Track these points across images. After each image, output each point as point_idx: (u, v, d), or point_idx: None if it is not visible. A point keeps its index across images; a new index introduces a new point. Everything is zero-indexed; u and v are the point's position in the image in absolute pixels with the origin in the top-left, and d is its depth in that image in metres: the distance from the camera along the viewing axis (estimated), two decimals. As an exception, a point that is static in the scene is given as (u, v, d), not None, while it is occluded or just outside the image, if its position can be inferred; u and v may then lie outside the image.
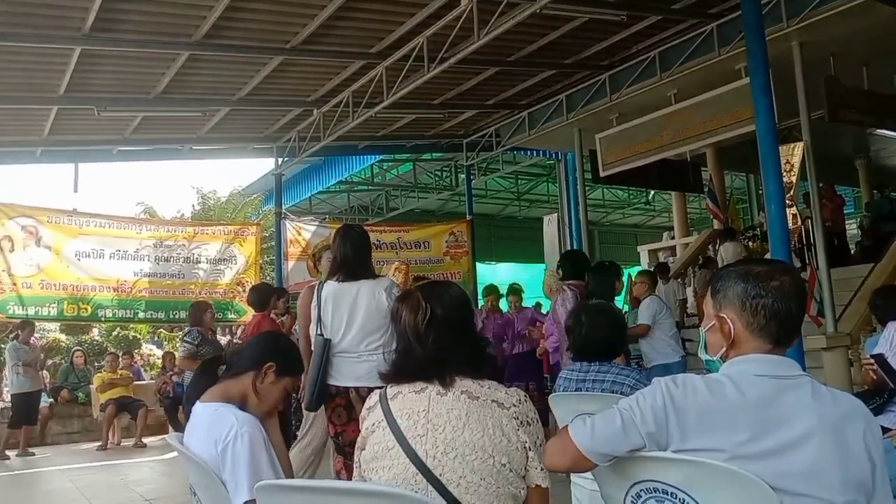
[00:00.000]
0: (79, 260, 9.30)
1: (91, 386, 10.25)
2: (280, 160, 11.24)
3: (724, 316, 1.58)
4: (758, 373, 1.49)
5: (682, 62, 8.39)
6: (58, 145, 9.77)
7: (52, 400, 10.38)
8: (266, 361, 2.16)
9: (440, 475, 1.57)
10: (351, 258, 3.79)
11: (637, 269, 15.98)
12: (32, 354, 9.19)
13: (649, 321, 6.58)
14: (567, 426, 1.59)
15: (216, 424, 1.95)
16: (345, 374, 3.70)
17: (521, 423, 1.63)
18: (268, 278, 13.22)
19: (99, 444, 9.29)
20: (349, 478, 3.52)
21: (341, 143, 10.45)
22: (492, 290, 8.72)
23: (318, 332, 3.74)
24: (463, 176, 13.27)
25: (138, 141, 10.08)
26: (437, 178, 18.14)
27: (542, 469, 1.64)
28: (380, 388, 1.74)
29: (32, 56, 7.26)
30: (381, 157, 14.77)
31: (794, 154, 9.36)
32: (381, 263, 10.33)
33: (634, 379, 2.81)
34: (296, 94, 9.28)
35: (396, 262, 7.11)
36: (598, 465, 1.54)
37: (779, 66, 6.75)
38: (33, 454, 8.85)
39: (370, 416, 1.70)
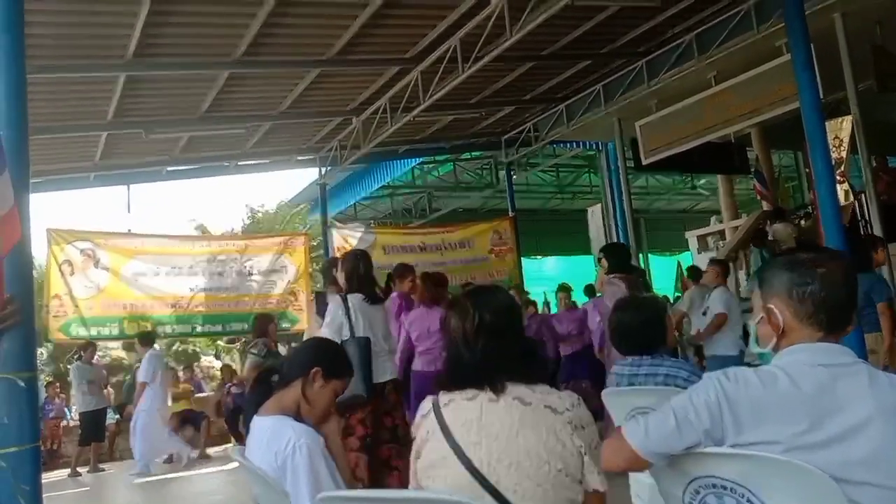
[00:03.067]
0: (136, 279, 9.60)
1: (155, 400, 10.54)
2: (323, 170, 11.40)
3: (772, 307, 1.56)
4: (810, 362, 1.48)
5: (719, 43, 8.22)
6: (110, 169, 10.12)
7: (118, 416, 10.72)
8: (312, 366, 2.20)
9: (496, 482, 1.58)
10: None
11: (687, 255, 15.76)
12: (96, 373, 9.53)
13: (725, 310, 6.39)
14: (621, 427, 1.60)
15: (275, 438, 2.00)
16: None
17: (576, 427, 1.63)
18: (318, 286, 13.41)
19: (166, 456, 9.56)
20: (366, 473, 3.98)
21: (382, 148, 10.54)
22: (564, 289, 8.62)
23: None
24: (503, 173, 13.23)
25: (186, 160, 10.36)
26: (478, 177, 18.11)
27: (598, 473, 1.64)
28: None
29: (80, 85, 7.53)
30: (422, 159, 14.82)
31: (842, 128, 9.10)
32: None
33: (688, 371, 2.78)
34: (335, 104, 9.41)
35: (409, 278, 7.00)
36: (655, 464, 1.54)
37: (821, 38, 6.58)
38: (104, 470, 9.16)
39: (424, 425, 1.72)
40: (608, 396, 3.02)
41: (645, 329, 2.93)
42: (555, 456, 1.60)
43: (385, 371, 4.34)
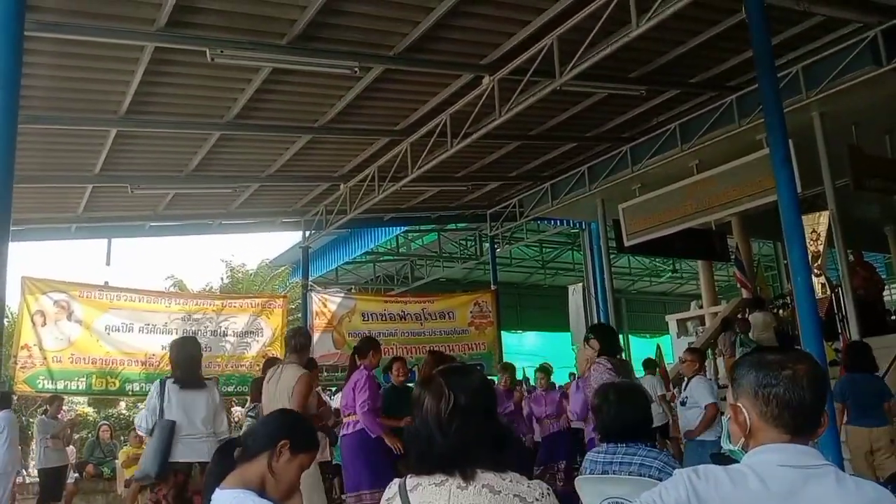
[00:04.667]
0: (108, 334, 9.43)
1: (117, 461, 10.20)
2: (307, 233, 11.42)
3: (740, 405, 1.56)
4: (781, 462, 1.46)
5: (702, 133, 8.47)
6: (92, 221, 10.05)
7: (77, 475, 10.33)
8: (280, 439, 2.14)
9: None
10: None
11: (667, 337, 15.80)
12: (60, 428, 9.21)
13: (714, 399, 6.34)
14: None
15: (237, 513, 1.93)
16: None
17: None
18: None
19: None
20: None
21: (367, 215, 10.61)
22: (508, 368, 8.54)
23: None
24: (487, 245, 13.33)
25: (170, 217, 10.33)
26: (461, 248, 18.24)
27: None
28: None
29: (70, 137, 7.55)
30: (407, 227, 14.93)
31: (819, 223, 9.31)
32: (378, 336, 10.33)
33: (662, 461, 2.74)
34: (323, 170, 9.51)
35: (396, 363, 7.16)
36: None
37: (801, 135, 6.79)
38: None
39: None
40: (581, 482, 2.96)
41: (637, 422, 2.90)
42: (522, 548, 1.55)
43: (198, 452, 4.57)
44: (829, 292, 10.01)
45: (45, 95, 6.52)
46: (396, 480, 1.72)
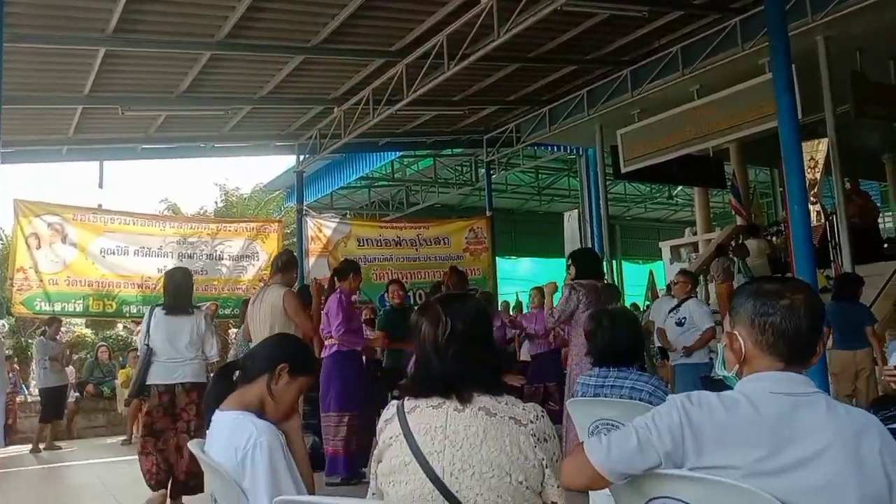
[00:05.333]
0: (104, 257, 9.44)
1: (116, 381, 10.40)
2: (301, 158, 11.31)
3: (736, 333, 1.58)
4: (773, 390, 1.49)
5: (704, 57, 8.30)
6: (83, 143, 9.92)
7: (77, 394, 10.55)
8: (279, 362, 2.16)
9: (457, 492, 1.57)
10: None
11: (659, 264, 15.93)
12: (59, 350, 9.35)
13: (712, 323, 6.46)
14: (582, 444, 1.60)
15: (236, 433, 1.97)
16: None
17: (539, 440, 1.62)
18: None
19: (123, 438, 9.43)
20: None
21: (362, 139, 10.48)
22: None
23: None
24: (483, 171, 13.25)
25: (162, 139, 10.18)
26: (457, 174, 18.12)
27: (557, 486, 1.64)
28: None
29: (58, 57, 7.36)
30: (402, 153, 14.78)
31: (818, 150, 9.26)
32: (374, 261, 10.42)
33: (653, 385, 2.80)
34: (317, 93, 9.33)
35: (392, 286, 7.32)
36: (615, 483, 1.54)
37: (804, 60, 6.67)
38: (60, 447, 9.00)
39: (387, 429, 1.71)
40: (572, 405, 3.03)
41: (630, 347, 2.95)
42: (517, 468, 1.59)
43: (181, 374, 5.01)
44: (823, 220, 10.03)
45: (30, 13, 6.31)
46: (394, 402, 1.76)
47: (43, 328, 9.63)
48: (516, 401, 1.69)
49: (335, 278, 6.08)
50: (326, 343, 5.76)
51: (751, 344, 1.55)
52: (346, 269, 6.01)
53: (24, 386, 10.76)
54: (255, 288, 9.94)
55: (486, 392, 1.67)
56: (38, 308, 9.13)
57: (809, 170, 10.20)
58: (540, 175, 19.92)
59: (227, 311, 9.88)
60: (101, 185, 12.06)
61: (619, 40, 8.48)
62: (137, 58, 7.62)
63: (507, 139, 11.64)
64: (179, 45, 7.31)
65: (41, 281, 8.96)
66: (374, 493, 1.76)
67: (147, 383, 5.04)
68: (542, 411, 1.68)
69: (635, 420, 1.54)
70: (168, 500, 5.04)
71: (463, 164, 17.17)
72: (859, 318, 6.36)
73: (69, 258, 9.20)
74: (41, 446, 8.85)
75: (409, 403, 1.71)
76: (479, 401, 1.65)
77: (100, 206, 10.98)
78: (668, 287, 9.72)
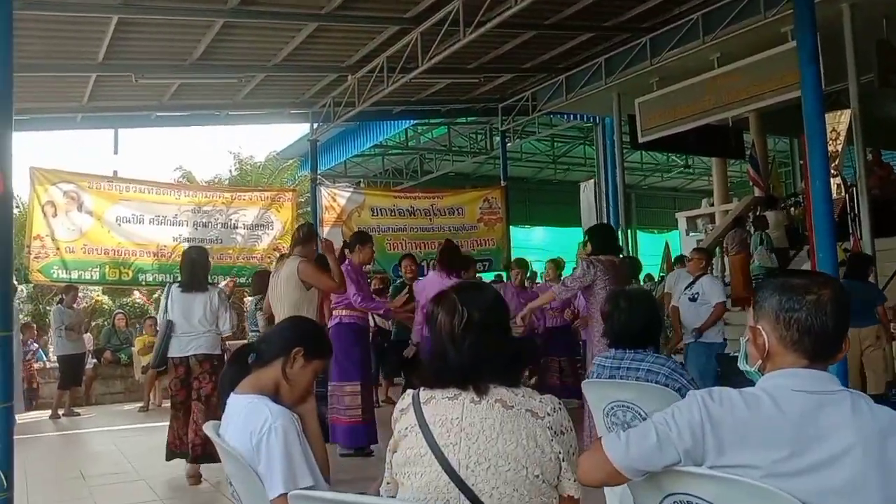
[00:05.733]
0: (119, 225, 9.46)
1: (133, 348, 10.53)
2: (315, 126, 11.26)
3: (760, 328, 1.54)
4: (796, 388, 1.45)
5: (725, 25, 8.10)
6: (98, 111, 9.94)
7: (95, 361, 10.70)
8: (294, 346, 2.16)
9: (472, 485, 1.56)
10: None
11: (675, 234, 15.81)
12: (76, 318, 9.44)
13: (724, 298, 6.49)
14: (600, 440, 1.57)
15: (251, 417, 1.97)
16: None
17: (555, 433, 1.61)
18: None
19: (141, 404, 9.58)
20: None
21: (376, 108, 10.40)
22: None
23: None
24: (498, 139, 13.12)
25: (176, 107, 10.16)
26: (471, 142, 17.99)
27: (573, 480, 1.62)
28: None
29: (71, 25, 7.33)
30: (416, 121, 14.66)
31: (840, 121, 9.06)
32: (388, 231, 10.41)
33: (670, 368, 2.77)
34: (331, 60, 9.24)
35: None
36: (633, 479, 1.52)
37: (828, 28, 6.50)
38: (78, 414, 9.15)
39: (402, 419, 1.70)
40: (587, 386, 3.01)
41: (646, 329, 2.92)
42: (533, 461, 1.58)
43: (197, 346, 5.28)
44: (843, 192, 9.87)
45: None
46: (410, 392, 1.74)
47: (60, 296, 9.71)
48: (533, 392, 1.66)
49: (345, 251, 6.07)
50: (334, 314, 5.77)
51: (775, 339, 1.51)
52: (354, 241, 6.00)
53: (42, 353, 10.90)
54: (269, 257, 10.01)
55: (502, 383, 1.65)
56: (55, 276, 9.20)
57: (831, 141, 10.01)
58: (555, 143, 19.74)
59: (243, 280, 9.91)
60: (115, 152, 12.11)
61: (638, 7, 8.31)
62: (150, 25, 7.57)
63: (522, 108, 11.50)
64: (192, 11, 7.25)
65: (58, 249, 9.00)
66: (388, 483, 1.76)
67: (167, 356, 5.36)
68: (560, 404, 1.66)
69: (654, 416, 1.51)
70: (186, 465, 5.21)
71: (477, 132, 17.04)
72: (870, 297, 6.42)
73: (85, 226, 9.24)
74: (60, 412, 9.00)
75: (424, 394, 1.69)
76: (496, 392, 1.63)
77: (115, 173, 10.98)
78: (681, 259, 9.67)
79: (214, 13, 7.27)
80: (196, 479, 5.14)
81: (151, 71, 8.57)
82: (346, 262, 5.82)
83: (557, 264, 8.57)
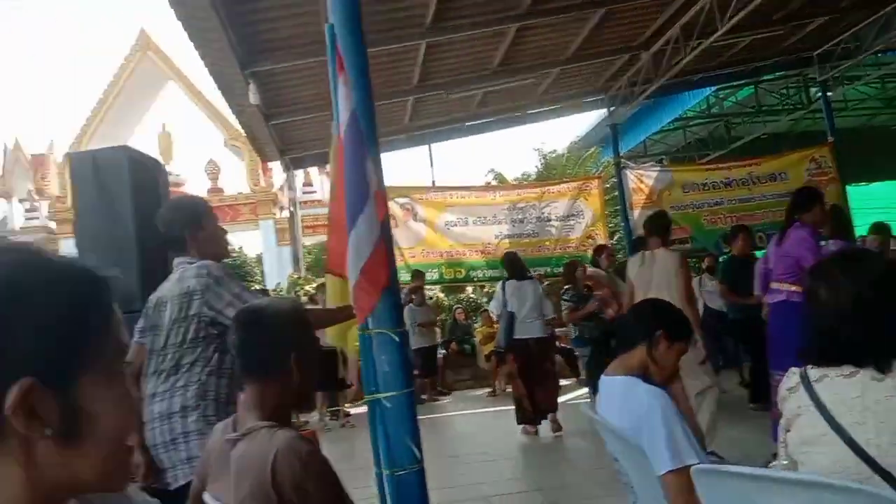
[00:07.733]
0: (449, 229, 10.46)
1: (474, 339, 11.60)
2: (612, 109, 11.23)
3: None
4: None
5: None
6: (417, 129, 11.01)
7: (444, 352, 11.98)
8: (655, 329, 2.25)
9: (888, 466, 1.50)
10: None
11: None
12: (427, 315, 10.73)
13: None
14: None
15: (629, 397, 2.11)
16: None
17: None
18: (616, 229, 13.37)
19: (489, 390, 10.50)
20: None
21: (673, 80, 10.05)
22: None
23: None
24: (814, 90, 11.81)
25: (483, 114, 10.88)
26: (783, 98, 16.39)
27: None
28: None
29: (388, 57, 8.23)
30: (717, 86, 13.81)
31: None
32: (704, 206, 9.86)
33: None
34: (622, 42, 9.18)
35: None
36: None
37: None
38: (442, 398, 10.43)
39: (792, 399, 1.68)
40: None
41: None
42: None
43: (532, 330, 6.87)
44: None
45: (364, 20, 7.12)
46: (795, 370, 1.72)
47: (409, 298, 11.00)
48: None
49: (792, 212, 4.97)
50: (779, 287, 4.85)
51: None
52: (805, 201, 4.94)
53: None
54: (583, 245, 10.26)
55: None
56: (403, 280, 10.45)
57: None
58: (887, 85, 17.14)
59: (560, 270, 10.28)
60: (431, 164, 13.45)
61: None
62: (453, 44, 8.19)
63: (842, 52, 10.24)
64: (488, 23, 7.69)
65: (402, 256, 10.21)
66: (785, 462, 1.75)
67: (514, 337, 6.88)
68: None
69: None
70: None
71: (789, 86, 15.49)
72: None
73: (422, 233, 10.40)
74: (423, 397, 10.22)
75: (814, 372, 1.66)
76: None
77: (433, 183, 12.10)
78: None
79: (508, 19, 7.64)
80: (557, 424, 6.80)
81: (459, 85, 9.29)
82: (798, 223, 4.82)
83: (883, 230, 7.40)
